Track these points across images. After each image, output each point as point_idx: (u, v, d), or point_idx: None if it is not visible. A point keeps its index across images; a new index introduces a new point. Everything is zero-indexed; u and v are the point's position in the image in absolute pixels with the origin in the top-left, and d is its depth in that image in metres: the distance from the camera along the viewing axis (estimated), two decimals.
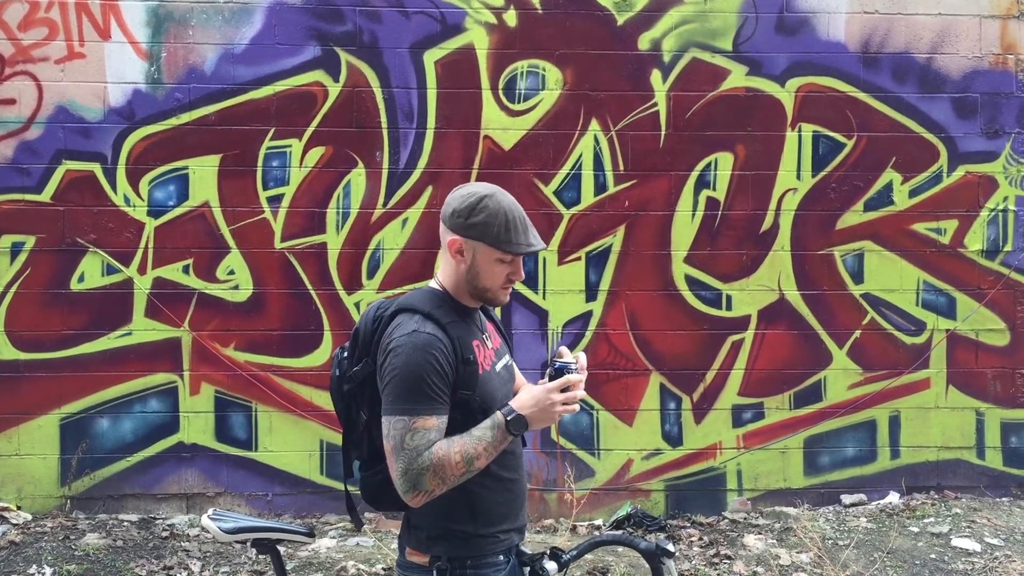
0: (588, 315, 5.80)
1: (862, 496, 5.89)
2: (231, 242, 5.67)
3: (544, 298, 5.80)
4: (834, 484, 5.92)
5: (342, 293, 5.72)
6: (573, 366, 2.40)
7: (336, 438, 5.51)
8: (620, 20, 5.77)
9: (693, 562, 5.04)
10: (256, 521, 2.95)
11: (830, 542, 5.28)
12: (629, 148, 5.79)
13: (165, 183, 5.65)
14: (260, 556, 4.58)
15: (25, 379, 5.59)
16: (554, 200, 5.78)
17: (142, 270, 5.64)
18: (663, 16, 5.78)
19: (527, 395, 2.36)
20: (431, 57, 5.71)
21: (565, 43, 5.75)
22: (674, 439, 5.86)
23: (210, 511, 2.93)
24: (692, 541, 5.36)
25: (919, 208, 5.91)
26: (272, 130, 5.67)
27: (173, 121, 5.63)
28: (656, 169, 5.81)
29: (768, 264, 5.86)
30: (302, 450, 5.72)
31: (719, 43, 5.81)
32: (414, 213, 5.73)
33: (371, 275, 5.73)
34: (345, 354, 2.51)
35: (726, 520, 5.73)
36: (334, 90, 5.68)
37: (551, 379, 2.38)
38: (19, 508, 5.56)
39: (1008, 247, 5.94)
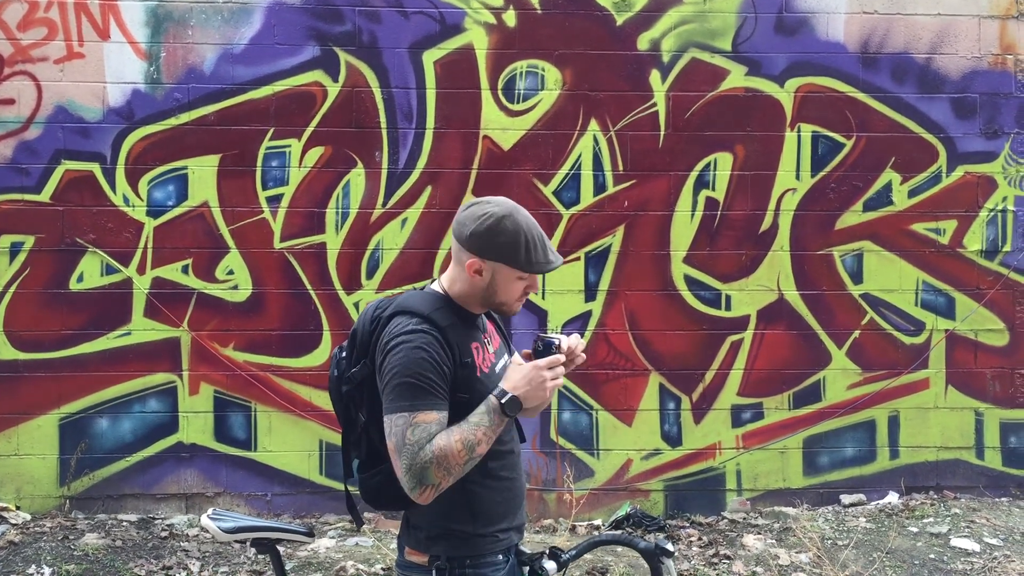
0: (587, 315, 5.80)
1: (861, 496, 5.89)
2: (230, 242, 5.67)
3: (543, 298, 5.80)
4: (833, 484, 5.92)
5: (341, 293, 5.72)
6: (557, 341, 2.42)
7: (335, 438, 5.51)
8: (619, 20, 5.78)
9: (692, 562, 5.05)
10: (255, 521, 2.95)
11: (829, 542, 5.28)
12: (628, 148, 5.79)
13: (164, 183, 5.65)
14: (259, 556, 4.59)
15: (24, 379, 5.59)
16: (553, 200, 5.78)
17: (141, 270, 5.64)
18: (662, 16, 5.78)
19: (517, 375, 2.36)
20: (430, 57, 5.71)
21: (564, 43, 5.75)
22: (673, 439, 5.86)
23: (209, 511, 2.93)
24: (691, 541, 5.36)
25: (918, 208, 5.91)
26: (271, 130, 5.67)
27: (172, 121, 5.63)
28: (655, 169, 5.81)
29: (767, 264, 5.86)
30: (301, 450, 5.72)
31: (718, 43, 5.81)
32: (413, 213, 5.73)
33: (370, 275, 5.73)
34: (344, 354, 2.51)
35: (725, 520, 5.73)
36: (333, 90, 5.68)
37: (537, 355, 2.40)
38: (18, 508, 5.56)
39: (1007, 247, 5.94)
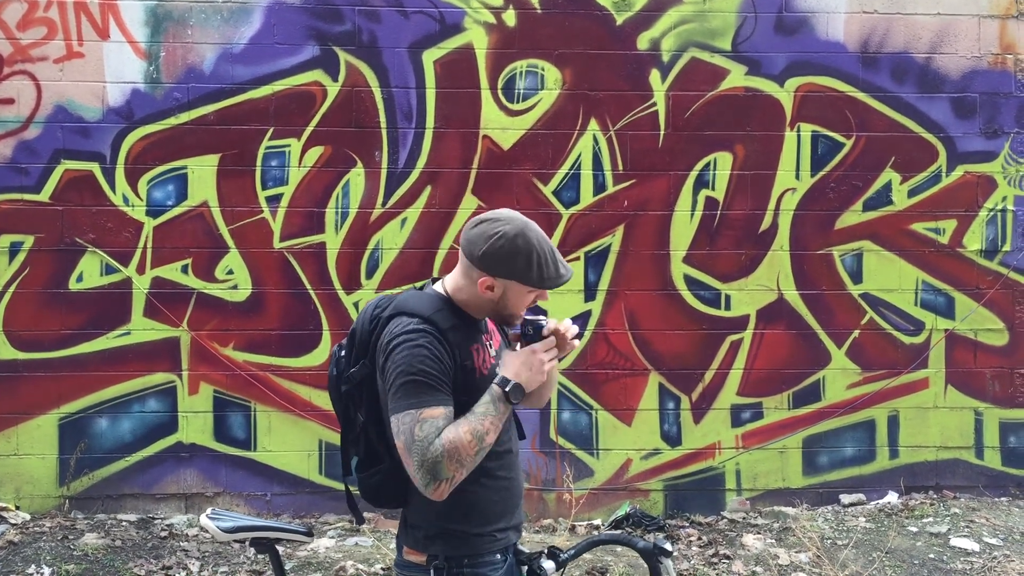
0: (587, 315, 5.80)
1: (861, 496, 5.89)
2: (230, 242, 5.67)
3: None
4: (833, 484, 5.92)
5: (341, 293, 5.72)
6: (543, 321, 2.44)
7: (335, 438, 5.50)
8: (619, 20, 5.77)
9: (692, 562, 5.05)
10: (254, 520, 2.95)
11: (829, 542, 5.28)
12: (628, 148, 5.79)
13: (164, 183, 5.65)
14: (259, 556, 4.58)
15: (24, 379, 5.59)
16: (553, 200, 5.78)
17: (141, 270, 5.64)
18: (662, 16, 5.78)
19: (514, 362, 2.37)
20: (430, 57, 5.71)
21: (564, 43, 5.75)
22: (673, 439, 5.86)
23: (208, 510, 2.93)
24: (691, 541, 5.36)
25: (918, 208, 5.91)
26: (271, 130, 5.66)
27: (172, 121, 5.63)
28: (655, 169, 5.81)
29: (767, 264, 5.86)
30: (301, 450, 5.72)
31: (718, 43, 5.81)
32: (413, 213, 5.72)
33: (370, 275, 5.73)
34: (343, 353, 2.51)
35: (725, 520, 5.73)
36: (333, 90, 5.68)
37: (527, 338, 2.41)
38: (18, 508, 5.56)
39: (1007, 247, 5.94)
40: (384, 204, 5.73)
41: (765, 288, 5.86)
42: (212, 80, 5.63)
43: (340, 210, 5.71)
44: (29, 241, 5.59)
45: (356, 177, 5.71)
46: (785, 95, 5.84)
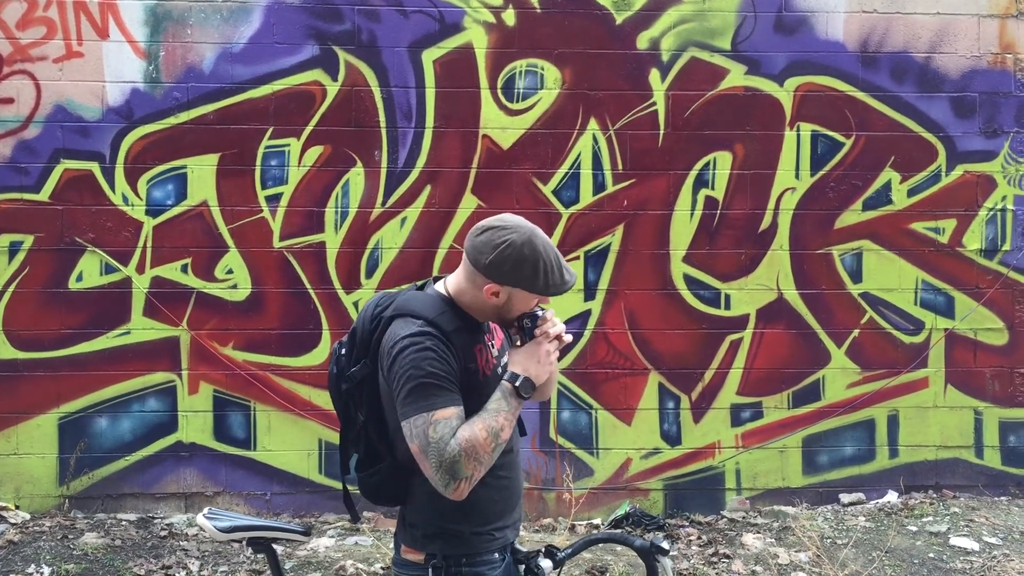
0: (587, 314, 5.80)
1: (860, 495, 5.89)
2: (230, 241, 5.67)
3: None
4: (832, 483, 5.92)
5: (341, 292, 5.72)
6: (539, 311, 2.45)
7: (334, 437, 5.49)
8: (619, 19, 5.77)
9: (692, 561, 5.05)
10: (251, 520, 2.95)
11: (828, 541, 5.28)
12: (628, 147, 5.79)
13: (163, 182, 5.65)
14: (258, 555, 4.58)
15: (23, 378, 5.59)
16: (553, 199, 5.77)
17: (140, 269, 5.64)
18: (662, 15, 5.78)
19: (521, 357, 2.39)
20: (430, 56, 5.71)
21: (564, 42, 5.75)
22: (673, 438, 5.86)
23: (205, 510, 2.93)
24: (691, 540, 5.36)
25: (918, 207, 5.91)
26: (270, 129, 5.66)
27: (171, 120, 5.63)
28: (655, 168, 5.81)
29: (767, 263, 5.86)
30: (301, 449, 5.72)
31: (718, 42, 5.80)
32: (413, 212, 5.73)
33: (370, 274, 5.73)
34: (343, 351, 2.51)
35: (725, 519, 5.73)
36: (332, 89, 5.68)
37: (524, 331, 2.42)
38: (17, 507, 5.57)
39: (1006, 246, 5.94)
40: (384, 204, 5.73)
41: (765, 288, 5.86)
42: (212, 79, 5.63)
43: (340, 209, 5.71)
44: (29, 241, 5.59)
45: (356, 177, 5.71)
46: (785, 94, 5.84)
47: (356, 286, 5.72)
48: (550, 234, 5.71)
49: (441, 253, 5.72)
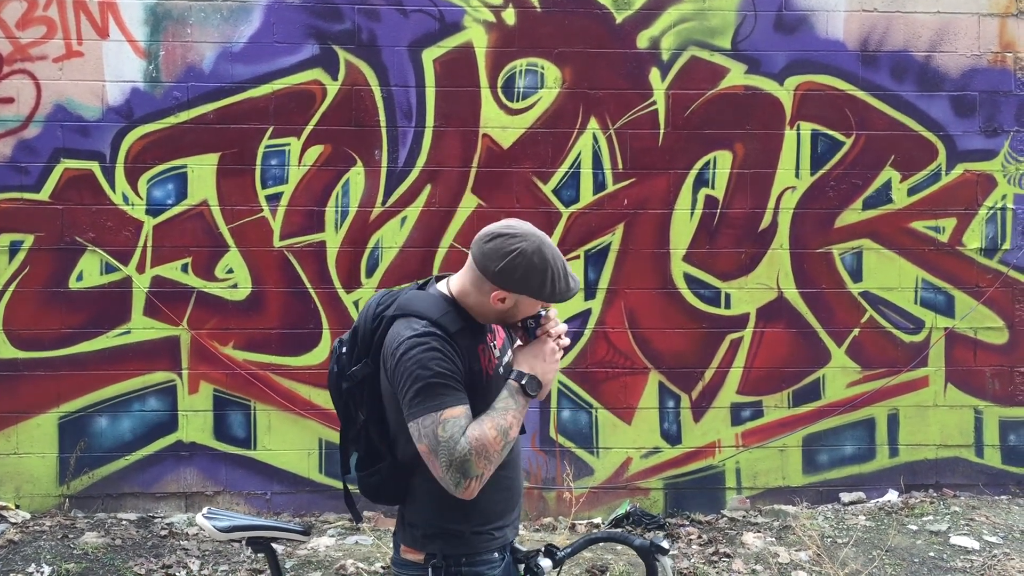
0: (587, 313, 5.80)
1: (861, 494, 5.89)
2: (230, 241, 5.68)
3: None
4: (833, 482, 5.92)
5: (341, 292, 5.72)
6: (542, 310, 2.46)
7: (335, 437, 5.49)
8: (619, 18, 5.77)
9: (692, 560, 5.05)
10: (250, 520, 2.95)
11: (829, 540, 5.28)
12: (628, 146, 5.79)
13: (163, 182, 5.65)
14: (258, 555, 4.58)
15: (24, 378, 5.59)
16: (553, 199, 5.77)
17: (141, 269, 5.65)
18: (662, 14, 5.78)
19: (526, 356, 2.40)
20: (430, 55, 5.71)
21: (564, 41, 5.75)
22: (673, 437, 5.86)
23: (204, 509, 2.93)
24: (691, 539, 5.36)
25: (918, 206, 5.91)
26: (271, 128, 5.66)
27: (171, 120, 5.63)
28: (655, 167, 5.81)
29: (767, 262, 5.86)
30: (301, 449, 5.72)
31: (718, 41, 5.80)
32: (413, 211, 5.73)
33: (370, 273, 5.73)
34: (344, 349, 2.50)
35: (725, 518, 5.73)
36: (332, 88, 5.68)
37: (527, 330, 2.44)
38: (18, 507, 5.57)
39: (1006, 245, 5.94)
40: (384, 203, 5.73)
41: (765, 287, 5.86)
42: (212, 79, 5.63)
43: (340, 209, 5.71)
44: (29, 240, 5.59)
45: (356, 176, 5.71)
46: (785, 93, 5.84)
47: (356, 285, 5.73)
48: (550, 234, 5.71)
49: (441, 252, 5.72)
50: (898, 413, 5.93)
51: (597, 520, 5.70)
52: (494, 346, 2.51)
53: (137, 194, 5.63)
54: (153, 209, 5.65)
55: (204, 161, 5.65)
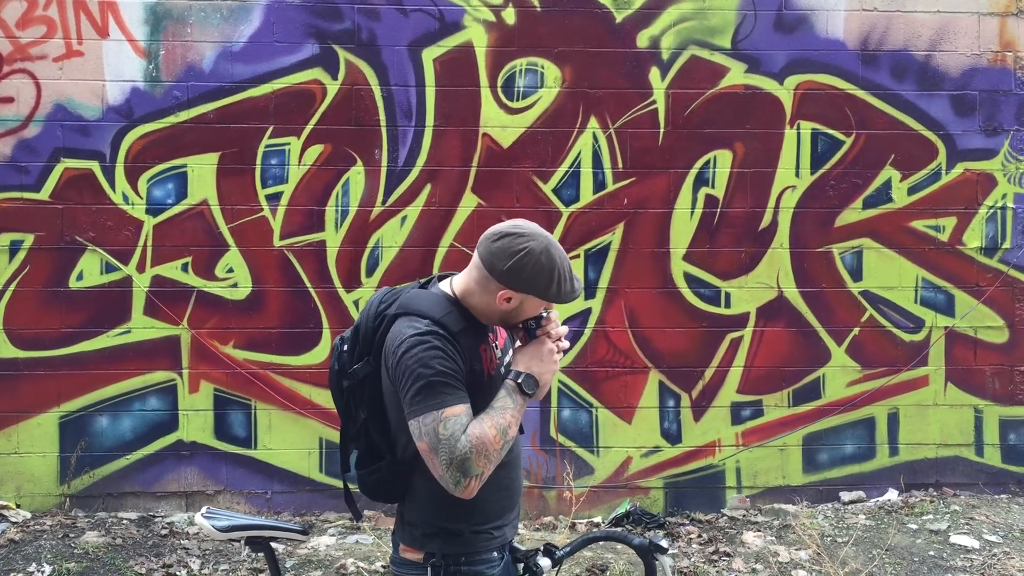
0: (587, 313, 5.80)
1: (861, 493, 5.89)
2: (230, 240, 5.68)
3: None
4: (833, 481, 5.92)
5: (341, 291, 5.73)
6: (544, 312, 2.46)
7: (335, 436, 5.50)
8: (619, 18, 5.77)
9: (692, 559, 5.05)
10: (249, 519, 2.95)
11: (829, 539, 5.28)
12: (628, 146, 5.79)
13: (164, 181, 5.65)
14: (257, 554, 4.58)
15: (24, 377, 5.60)
16: (553, 198, 5.77)
17: (141, 268, 5.65)
18: (662, 13, 5.78)
19: (525, 356, 2.40)
20: (430, 55, 5.71)
21: (564, 41, 5.75)
22: (673, 437, 5.86)
23: (204, 509, 2.93)
24: (691, 538, 5.36)
25: (918, 205, 5.91)
26: (271, 128, 5.67)
27: (171, 119, 5.63)
28: (655, 167, 5.81)
29: (767, 261, 5.86)
30: (301, 448, 5.72)
31: (718, 40, 5.80)
32: (413, 211, 5.73)
33: (370, 273, 5.73)
34: (345, 347, 2.49)
35: (725, 517, 5.73)
36: (333, 88, 5.68)
37: (528, 331, 2.44)
38: (18, 506, 5.57)
39: (1007, 244, 5.94)
40: (384, 202, 5.73)
41: (765, 286, 5.86)
42: (212, 78, 5.64)
43: (340, 208, 5.71)
44: (29, 240, 5.59)
45: (356, 175, 5.71)
46: (785, 93, 5.84)
47: (356, 285, 5.73)
48: (550, 233, 5.69)
49: (441, 252, 5.72)
50: (898, 412, 5.93)
51: (597, 519, 5.70)
52: (496, 346, 2.51)
53: (137, 193, 5.64)
54: (153, 208, 5.65)
55: (204, 161, 5.65)
